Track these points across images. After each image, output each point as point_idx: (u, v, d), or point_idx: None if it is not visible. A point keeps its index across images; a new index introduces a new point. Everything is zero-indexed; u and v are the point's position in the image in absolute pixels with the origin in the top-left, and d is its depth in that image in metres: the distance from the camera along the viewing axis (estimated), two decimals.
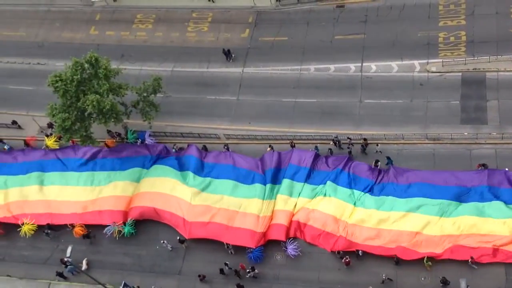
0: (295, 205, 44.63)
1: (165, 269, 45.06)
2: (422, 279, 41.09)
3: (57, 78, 45.08)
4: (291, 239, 43.56)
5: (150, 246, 45.93)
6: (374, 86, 50.32)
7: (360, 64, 51.60)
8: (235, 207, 45.03)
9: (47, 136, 51.59)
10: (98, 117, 46.27)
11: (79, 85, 45.57)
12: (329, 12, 55.77)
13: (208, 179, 46.68)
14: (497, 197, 41.90)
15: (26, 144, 52.14)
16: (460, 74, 49.11)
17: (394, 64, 50.93)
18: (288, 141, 48.04)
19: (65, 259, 45.62)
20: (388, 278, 41.00)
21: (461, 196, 42.70)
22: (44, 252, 47.07)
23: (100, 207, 46.71)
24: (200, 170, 47.37)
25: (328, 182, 44.81)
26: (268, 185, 45.73)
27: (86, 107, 44.99)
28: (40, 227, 47.04)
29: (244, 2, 57.65)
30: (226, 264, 43.18)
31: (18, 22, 61.90)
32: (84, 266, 45.25)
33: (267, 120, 50.25)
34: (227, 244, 44.01)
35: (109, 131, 51.03)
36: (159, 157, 49.09)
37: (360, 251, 41.98)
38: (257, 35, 55.76)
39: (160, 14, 59.58)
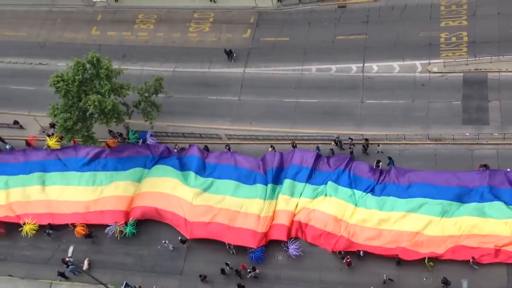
0: (297, 205, 44.64)
1: (167, 269, 45.07)
2: (424, 279, 41.06)
3: (59, 78, 45.15)
4: (292, 239, 43.58)
5: (151, 246, 45.95)
6: (376, 86, 50.31)
7: (361, 65, 51.62)
8: (236, 207, 45.05)
9: (49, 136, 51.66)
10: (99, 117, 46.31)
11: (81, 85, 45.62)
12: (331, 13, 55.78)
13: (210, 179, 46.70)
14: (497, 198, 41.88)
15: (28, 144, 52.19)
16: (461, 74, 49.11)
17: (396, 65, 50.94)
18: (290, 142, 48.04)
19: (67, 259, 45.64)
20: (389, 279, 40.96)
21: (462, 196, 42.70)
22: (46, 252, 47.12)
23: (102, 207, 46.73)
24: (202, 170, 47.39)
25: (329, 182, 44.82)
26: (270, 185, 45.73)
27: (88, 107, 45.05)
28: (41, 227, 47.07)
29: (246, 3, 57.68)
30: (227, 264, 43.17)
31: (19, 23, 61.98)
32: (85, 266, 45.26)
33: (268, 120, 50.26)
34: (228, 244, 44.00)
35: (110, 131, 51.06)
36: (161, 157, 49.10)
37: (361, 252, 41.96)
38: (258, 36, 55.79)
39: (162, 15, 59.63)
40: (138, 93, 48.31)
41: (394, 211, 42.88)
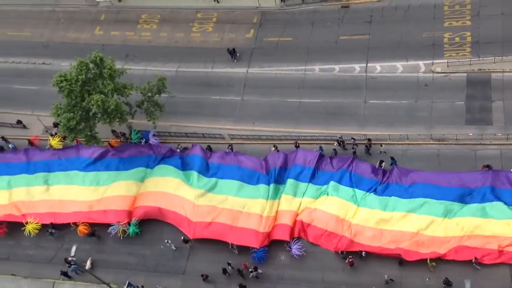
0: (300, 205, 44.63)
1: (169, 268, 45.10)
2: (427, 279, 40.99)
3: (62, 78, 45.23)
4: (295, 239, 43.56)
5: (154, 246, 45.98)
6: (379, 86, 50.26)
7: (365, 65, 51.57)
8: (239, 207, 45.05)
9: (52, 135, 51.75)
10: (102, 117, 46.39)
11: (84, 85, 45.69)
12: (334, 13, 55.74)
13: (213, 179, 46.71)
14: (498, 198, 41.80)
15: (31, 143, 52.28)
16: (465, 74, 49.02)
17: (399, 65, 50.88)
18: (293, 142, 48.00)
19: (69, 259, 45.70)
20: (390, 279, 40.89)
21: (464, 197, 42.65)
22: (49, 252, 47.20)
23: (105, 206, 46.79)
24: (205, 170, 47.41)
25: (332, 182, 44.80)
26: (272, 185, 45.73)
27: (91, 107, 45.12)
28: (44, 227, 47.16)
29: (249, 3, 57.69)
30: (229, 264, 43.16)
31: (23, 22, 62.12)
32: (88, 266, 45.31)
33: (271, 120, 50.26)
34: (231, 244, 44.00)
35: (113, 131, 51.13)
36: (164, 157, 49.14)
37: (363, 252, 41.91)
38: (261, 36, 55.78)
39: (165, 15, 59.68)
40: (141, 93, 48.36)
41: (397, 211, 42.86)
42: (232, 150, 48.51)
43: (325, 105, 50.24)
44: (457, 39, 51.13)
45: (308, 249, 43.39)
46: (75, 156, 49.82)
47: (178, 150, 49.52)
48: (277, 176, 46.02)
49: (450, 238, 41.02)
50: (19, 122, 53.92)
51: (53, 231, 47.18)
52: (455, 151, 45.69)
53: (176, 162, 48.18)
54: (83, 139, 47.82)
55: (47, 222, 47.14)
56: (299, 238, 43.77)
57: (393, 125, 47.65)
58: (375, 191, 44.26)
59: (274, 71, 53.28)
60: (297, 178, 45.64)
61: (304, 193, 45.06)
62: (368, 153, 46.82)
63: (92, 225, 46.74)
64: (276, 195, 45.41)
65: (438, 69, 49.84)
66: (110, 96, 45.52)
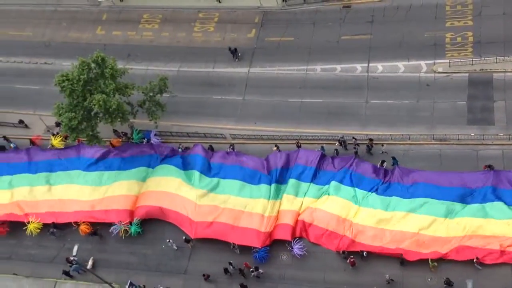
0: (301, 205, 44.64)
1: (171, 268, 45.13)
2: (429, 280, 40.96)
3: (64, 77, 45.24)
4: (296, 239, 43.57)
5: (156, 245, 46.00)
6: (381, 86, 50.23)
7: (366, 65, 51.55)
8: (241, 207, 45.06)
9: (54, 135, 51.80)
10: (104, 117, 46.41)
11: (86, 84, 45.72)
12: (336, 13, 55.72)
13: (215, 179, 46.71)
14: (500, 198, 41.77)
15: (32, 143, 52.33)
16: (467, 74, 48.97)
17: (401, 65, 50.84)
18: (294, 141, 48.00)
19: (71, 258, 45.75)
20: (391, 279, 40.86)
21: (465, 197, 42.62)
22: (51, 251, 47.24)
23: (107, 206, 46.81)
24: (207, 170, 47.41)
25: (333, 182, 44.80)
26: (274, 185, 45.73)
27: (93, 106, 45.17)
28: (46, 226, 47.20)
29: (251, 2, 57.69)
30: (230, 264, 43.17)
31: (24, 22, 62.18)
32: (90, 265, 45.34)
33: (273, 120, 50.26)
34: (233, 244, 44.01)
35: (115, 131, 51.17)
36: (165, 157, 49.16)
37: (364, 252, 41.90)
38: (263, 35, 55.78)
39: (167, 14, 59.70)
40: (142, 92, 48.39)
41: (398, 211, 42.86)
42: (234, 150, 48.51)
43: (327, 105, 50.22)
44: (459, 39, 51.09)
45: (310, 249, 43.39)
46: (76, 156, 49.86)
47: (180, 149, 49.55)
48: (278, 176, 46.03)
49: (451, 238, 41.01)
50: (21, 121, 53.98)
51: (55, 230, 47.22)
52: (457, 151, 45.66)
53: (177, 162, 48.21)
54: (85, 139, 47.86)
55: (49, 221, 47.18)
56: (300, 238, 43.76)
57: (395, 125, 47.63)
58: (376, 191, 44.23)
59: (275, 71, 53.27)
60: (299, 178, 45.64)
61: (305, 193, 45.06)
62: (369, 153, 46.81)
63: (94, 224, 46.79)
64: (277, 195, 45.41)
65: (440, 69, 49.82)
66: (112, 95, 45.56)
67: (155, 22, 59.31)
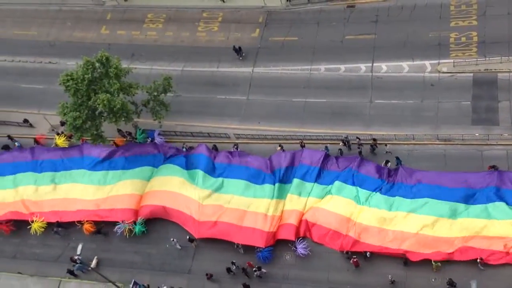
0: (305, 205, 44.64)
1: (175, 267, 45.20)
2: (433, 280, 40.92)
3: (68, 77, 45.37)
4: (300, 239, 43.57)
5: (160, 245, 46.09)
6: (385, 86, 50.17)
7: (370, 64, 51.49)
8: (244, 207, 45.10)
9: (58, 134, 51.95)
10: (108, 116, 46.52)
11: (90, 84, 45.82)
12: (340, 12, 55.65)
13: (220, 179, 46.72)
14: (503, 199, 41.67)
15: (36, 142, 52.49)
16: (471, 74, 48.86)
17: (405, 65, 50.77)
18: (298, 141, 48.00)
19: (75, 257, 45.87)
20: (393, 280, 40.78)
21: (469, 197, 42.52)
22: (55, 250, 47.40)
23: (111, 205, 46.91)
24: (211, 170, 47.44)
25: (337, 182, 44.79)
26: (277, 185, 45.72)
27: (97, 106, 45.26)
28: (50, 225, 47.33)
29: (255, 2, 57.68)
30: (233, 263, 43.20)
31: (29, 22, 62.34)
32: (94, 264, 45.46)
33: (277, 120, 50.26)
34: (236, 243, 44.04)
35: (119, 130, 51.26)
36: (169, 156, 49.23)
37: (368, 253, 41.87)
38: (267, 35, 55.77)
39: (171, 14, 59.75)
40: (147, 92, 48.46)
41: (401, 211, 42.83)
42: (238, 150, 48.53)
43: (331, 104, 50.19)
44: (463, 39, 50.97)
45: (313, 248, 43.38)
46: (80, 156, 49.95)
47: (184, 149, 49.60)
48: (282, 176, 46.03)
49: (455, 239, 40.96)
50: (25, 121, 54.15)
51: (59, 229, 47.35)
52: (461, 151, 45.59)
53: (181, 161, 48.27)
54: (89, 138, 47.97)
55: (53, 220, 47.32)
56: (304, 237, 43.76)
57: (399, 125, 47.56)
58: (380, 191, 44.19)
59: (279, 71, 53.27)
60: (303, 177, 45.64)
61: (309, 193, 45.05)
62: (373, 153, 46.76)
63: (98, 223, 46.91)
64: (281, 194, 45.42)
65: (444, 69, 49.72)
66: (116, 95, 45.64)
67: (159, 22, 59.39)
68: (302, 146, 47.56)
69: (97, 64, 46.02)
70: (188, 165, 48.06)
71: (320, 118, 49.53)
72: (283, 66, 53.29)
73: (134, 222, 46.09)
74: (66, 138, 51.40)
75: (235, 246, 44.12)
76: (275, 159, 47.11)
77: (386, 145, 46.71)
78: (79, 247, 47.01)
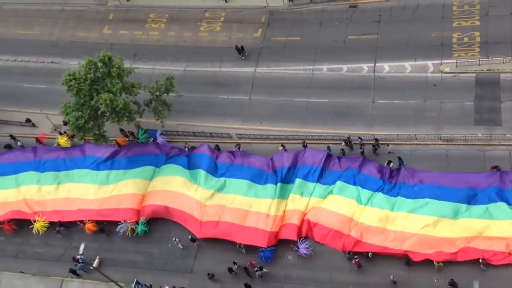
0: (307, 205, 44.63)
1: (177, 267, 45.21)
2: (435, 280, 40.83)
3: (71, 76, 45.43)
4: (302, 239, 43.55)
5: (162, 245, 46.09)
6: (387, 86, 50.13)
7: (373, 64, 51.44)
8: (247, 207, 45.09)
9: (61, 134, 52.01)
10: (111, 116, 46.55)
11: (93, 83, 45.87)
12: (342, 12, 55.64)
13: (222, 179, 46.71)
14: (505, 199, 41.59)
15: (38, 141, 52.57)
16: (474, 75, 48.79)
17: (408, 65, 50.72)
18: (300, 141, 47.99)
19: (78, 257, 45.92)
20: (394, 280, 40.72)
21: (472, 198, 42.45)
22: (57, 250, 47.42)
23: (113, 205, 46.91)
24: (214, 169, 47.44)
25: (339, 182, 44.75)
26: (279, 185, 45.71)
27: (99, 105, 45.31)
28: (52, 225, 47.39)
29: (257, 2, 57.72)
30: (234, 263, 43.20)
31: (32, 21, 62.48)
32: (96, 264, 45.49)
33: (279, 120, 50.25)
34: (238, 243, 44.04)
35: (122, 130, 51.31)
36: (171, 156, 49.25)
37: (369, 253, 41.84)
38: (269, 35, 55.78)
39: (173, 14, 59.82)
40: (149, 92, 48.51)
41: (403, 211, 42.78)
42: (240, 150, 48.53)
43: (333, 105, 50.17)
44: (466, 39, 50.91)
45: (316, 249, 43.35)
46: (82, 155, 49.98)
47: (186, 149, 49.63)
48: (284, 176, 46.01)
49: (457, 239, 40.90)
50: (28, 120, 54.22)
51: (61, 229, 47.40)
52: (464, 151, 45.52)
53: (183, 161, 48.29)
54: (92, 138, 48.02)
55: (55, 220, 47.38)
56: (306, 237, 43.74)
57: (401, 125, 47.52)
58: (382, 191, 44.14)
59: (282, 71, 53.26)
60: (305, 177, 45.61)
61: (311, 193, 45.03)
62: (375, 153, 46.72)
63: (99, 222, 46.93)
64: (283, 194, 45.40)
65: (447, 69, 49.67)
66: (119, 95, 45.71)
67: (162, 22, 59.43)
68: (304, 146, 47.55)
69: (99, 64, 46.06)
70: (190, 165, 48.08)
71: (322, 118, 49.51)
72: (285, 66, 53.29)
73: (136, 222, 46.12)
74: (68, 137, 51.48)
75: (237, 246, 44.12)
76: (277, 159, 47.09)
77: (388, 145, 46.67)
78: (82, 247, 47.07)
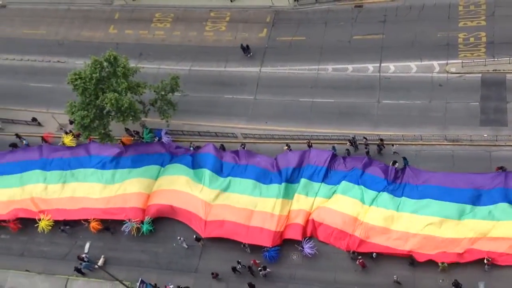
0: (312, 205, 44.61)
1: (182, 266, 45.29)
2: (440, 281, 40.74)
3: (77, 76, 45.60)
4: (306, 239, 43.53)
5: (167, 244, 46.19)
6: (393, 86, 50.05)
7: (378, 65, 51.38)
8: (252, 206, 45.12)
9: (67, 133, 52.19)
10: (116, 115, 46.68)
11: (98, 83, 46.00)
12: (347, 12, 55.59)
13: (227, 179, 46.74)
14: (509, 200, 41.41)
15: (44, 140, 52.77)
16: (479, 75, 48.64)
17: (413, 65, 50.62)
18: (305, 141, 47.96)
19: (83, 255, 46.07)
20: (398, 281, 40.66)
21: (476, 199, 42.31)
22: (63, 248, 47.61)
23: (118, 204, 47.02)
24: (219, 169, 47.49)
25: (344, 182, 44.72)
26: (284, 185, 45.68)
27: (105, 105, 45.42)
28: (57, 223, 47.55)
29: (262, 2, 57.76)
30: (238, 262, 43.24)
31: (38, 21, 62.76)
32: (101, 263, 45.63)
33: (284, 119, 50.26)
34: (243, 243, 44.06)
35: (127, 129, 51.43)
36: (176, 155, 49.33)
37: (374, 253, 41.77)
38: (275, 35, 55.79)
39: (178, 13, 59.93)
40: (154, 91, 48.61)
41: (408, 212, 42.69)
42: (245, 149, 48.55)
43: (338, 104, 50.13)
44: (471, 39, 50.76)
45: (321, 249, 43.31)
46: (87, 154, 50.14)
47: (191, 148, 49.70)
48: (289, 176, 46.00)
49: (461, 240, 40.80)
50: (34, 119, 54.44)
51: (66, 227, 47.56)
52: (470, 152, 45.39)
53: (188, 161, 48.34)
54: (97, 137, 48.16)
55: (60, 218, 47.53)
56: (310, 237, 43.72)
57: (407, 125, 47.44)
58: (387, 191, 44.05)
59: (287, 71, 53.26)
60: (310, 177, 45.59)
61: (316, 193, 45.02)
62: (380, 153, 46.65)
63: (105, 221, 47.05)
64: (288, 194, 45.38)
65: (453, 70, 49.54)
66: (124, 94, 45.82)
67: (167, 21, 59.54)
68: (309, 146, 47.53)
69: (105, 63, 46.18)
70: (195, 165, 48.14)
71: (327, 118, 49.48)
72: (291, 66, 53.28)
73: (142, 221, 46.21)
74: (74, 136, 51.65)
75: (242, 245, 44.15)
76: (282, 159, 47.08)
77: (393, 145, 46.60)
78: (87, 246, 47.22)
